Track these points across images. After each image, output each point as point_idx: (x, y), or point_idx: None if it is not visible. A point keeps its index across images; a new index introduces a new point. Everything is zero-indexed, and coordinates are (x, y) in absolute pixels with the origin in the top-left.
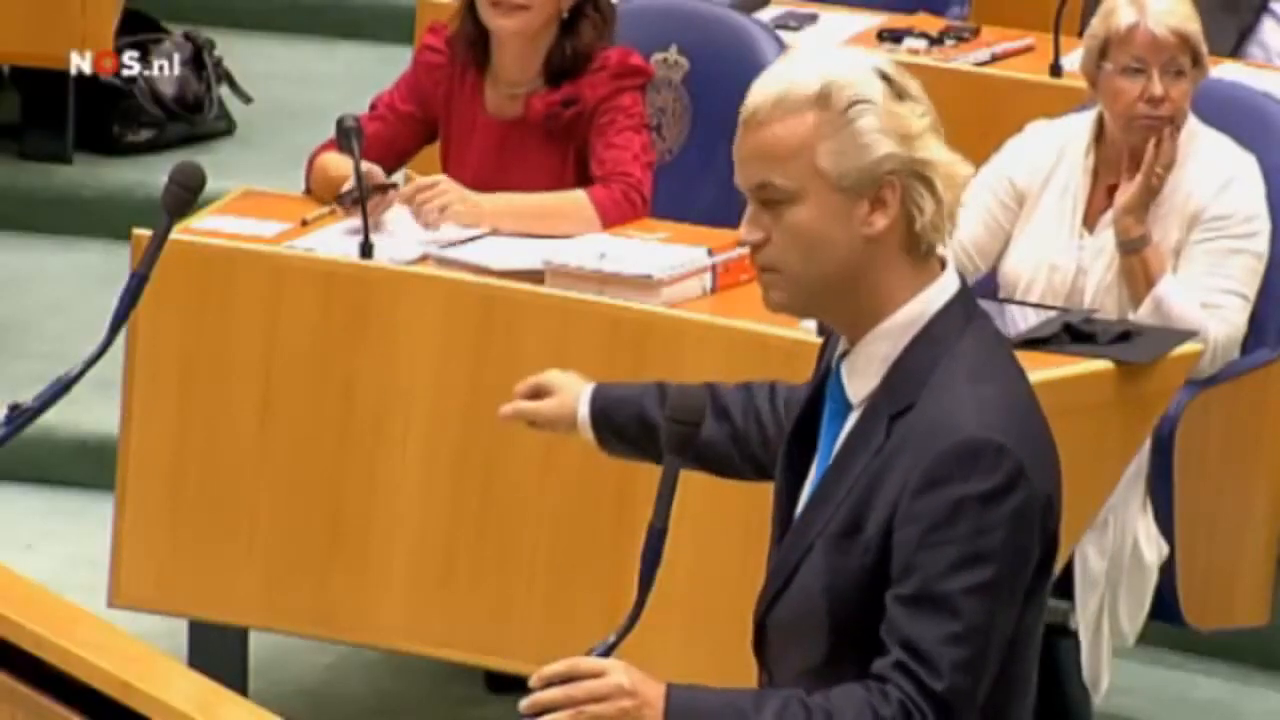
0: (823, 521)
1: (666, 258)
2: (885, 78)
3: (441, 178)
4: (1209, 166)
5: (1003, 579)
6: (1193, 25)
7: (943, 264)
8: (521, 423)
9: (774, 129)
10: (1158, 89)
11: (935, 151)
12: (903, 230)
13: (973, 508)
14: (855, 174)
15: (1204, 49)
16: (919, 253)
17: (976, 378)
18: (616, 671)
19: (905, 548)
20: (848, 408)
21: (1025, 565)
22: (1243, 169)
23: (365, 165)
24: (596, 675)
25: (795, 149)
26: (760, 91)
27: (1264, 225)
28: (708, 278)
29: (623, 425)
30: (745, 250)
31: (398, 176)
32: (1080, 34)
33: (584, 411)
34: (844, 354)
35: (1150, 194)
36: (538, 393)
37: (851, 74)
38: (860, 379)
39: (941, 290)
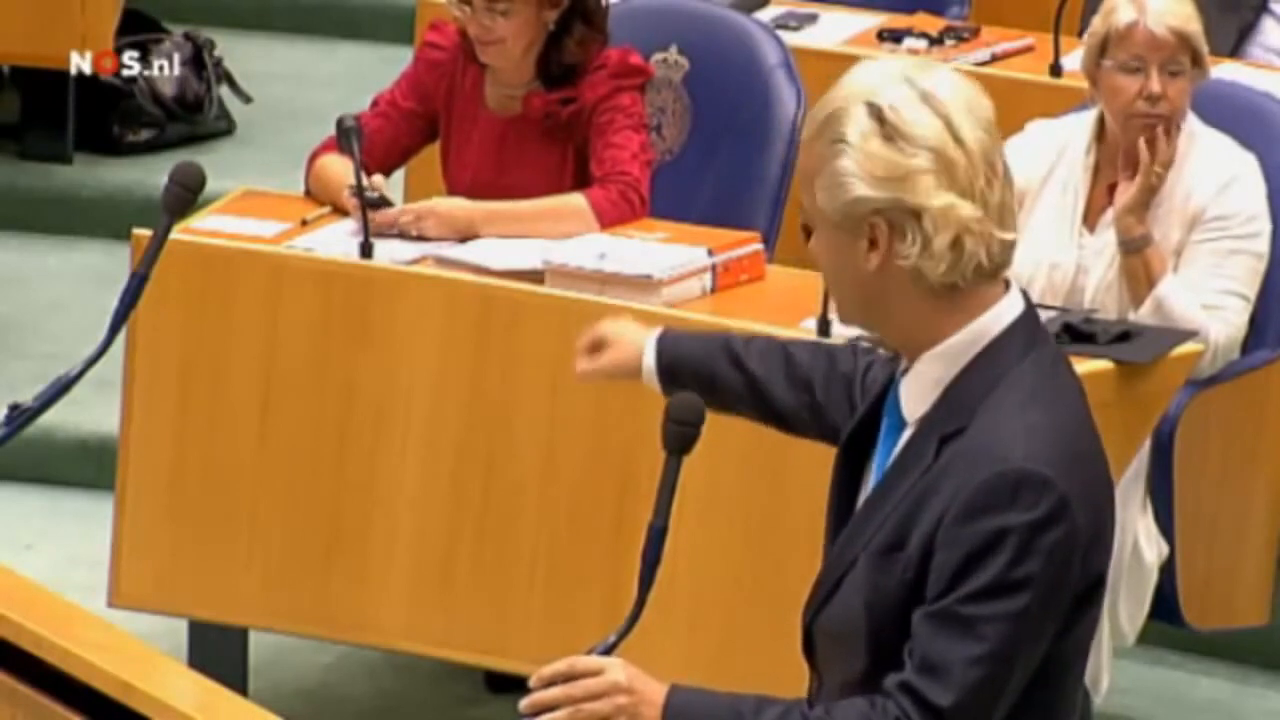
0: (868, 536)
1: (666, 258)
2: (878, 115)
3: (429, 209)
4: (1210, 166)
5: (1032, 611)
6: (1192, 25)
7: (1006, 286)
8: (523, 421)
9: (803, 152)
10: (1155, 87)
11: (925, 195)
12: (915, 268)
13: (1012, 538)
14: (839, 212)
15: (1204, 49)
16: (934, 288)
17: (1029, 405)
18: (614, 669)
19: (942, 571)
20: (903, 425)
21: (1058, 600)
22: (1244, 169)
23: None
24: (594, 673)
25: (806, 177)
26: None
27: (1265, 225)
28: (708, 278)
29: (689, 384)
30: (746, 251)
31: (393, 180)
32: (1080, 34)
33: (650, 363)
34: (904, 371)
35: (1150, 193)
36: (597, 346)
37: (845, 105)
38: (916, 399)
39: (1000, 314)
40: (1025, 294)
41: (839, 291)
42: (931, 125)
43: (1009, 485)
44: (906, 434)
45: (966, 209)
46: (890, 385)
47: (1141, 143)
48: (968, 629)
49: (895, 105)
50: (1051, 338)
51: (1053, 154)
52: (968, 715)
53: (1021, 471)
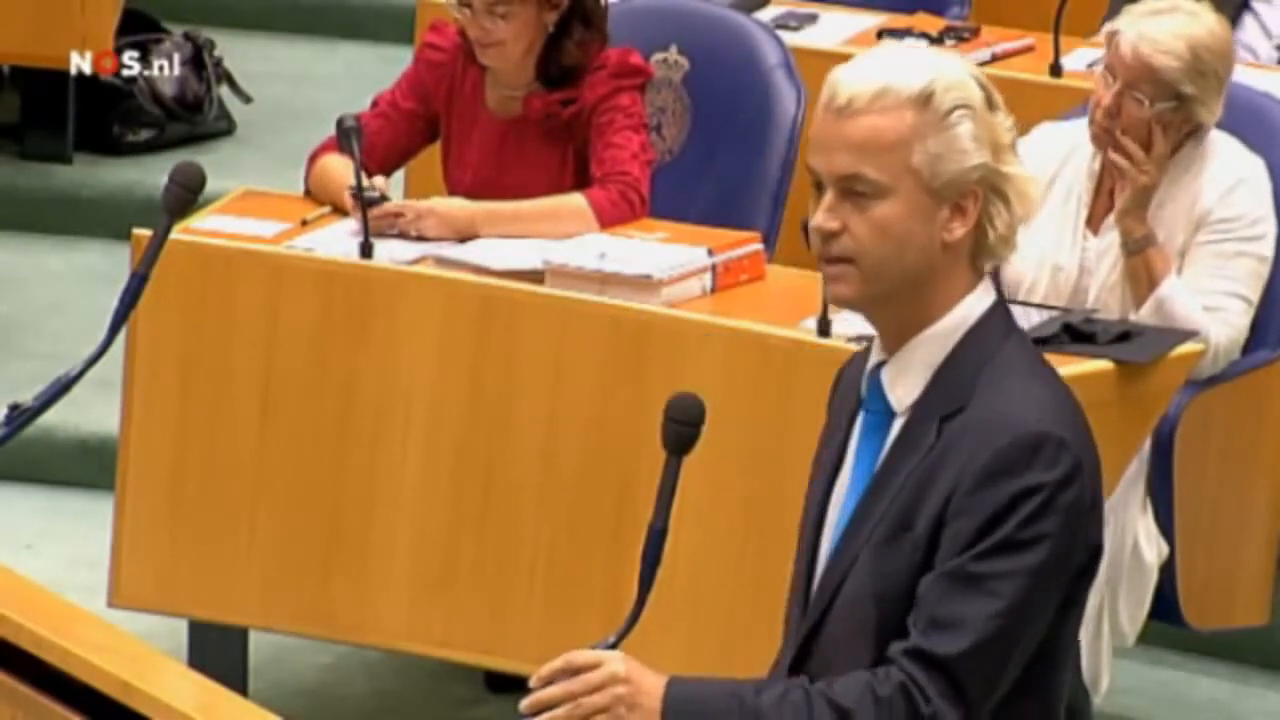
0: (869, 529)
1: (666, 258)
2: (982, 85)
3: (429, 209)
4: (1217, 169)
5: (1046, 569)
6: (1164, 60)
7: (981, 273)
8: (523, 421)
9: (871, 120)
10: (1106, 99)
11: (1015, 166)
12: (974, 240)
13: (1031, 498)
14: (946, 178)
15: (1186, 90)
16: (980, 264)
17: (1030, 380)
18: (612, 661)
19: (958, 539)
20: (889, 417)
21: (1069, 561)
22: (1251, 171)
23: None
24: (592, 667)
25: (892, 144)
26: (858, 81)
27: (1270, 228)
28: (708, 278)
29: None
30: (746, 251)
31: (393, 180)
32: (1081, 34)
33: None
34: (881, 363)
35: (1144, 192)
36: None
37: (955, 77)
38: (904, 386)
39: (981, 298)
40: (993, 280)
41: (897, 262)
42: (1001, 101)
43: (1028, 447)
44: (899, 422)
45: (1032, 185)
46: (851, 381)
47: (1111, 150)
48: (980, 585)
49: (983, 79)
50: (1018, 324)
51: (1059, 156)
52: (975, 668)
53: (1040, 434)
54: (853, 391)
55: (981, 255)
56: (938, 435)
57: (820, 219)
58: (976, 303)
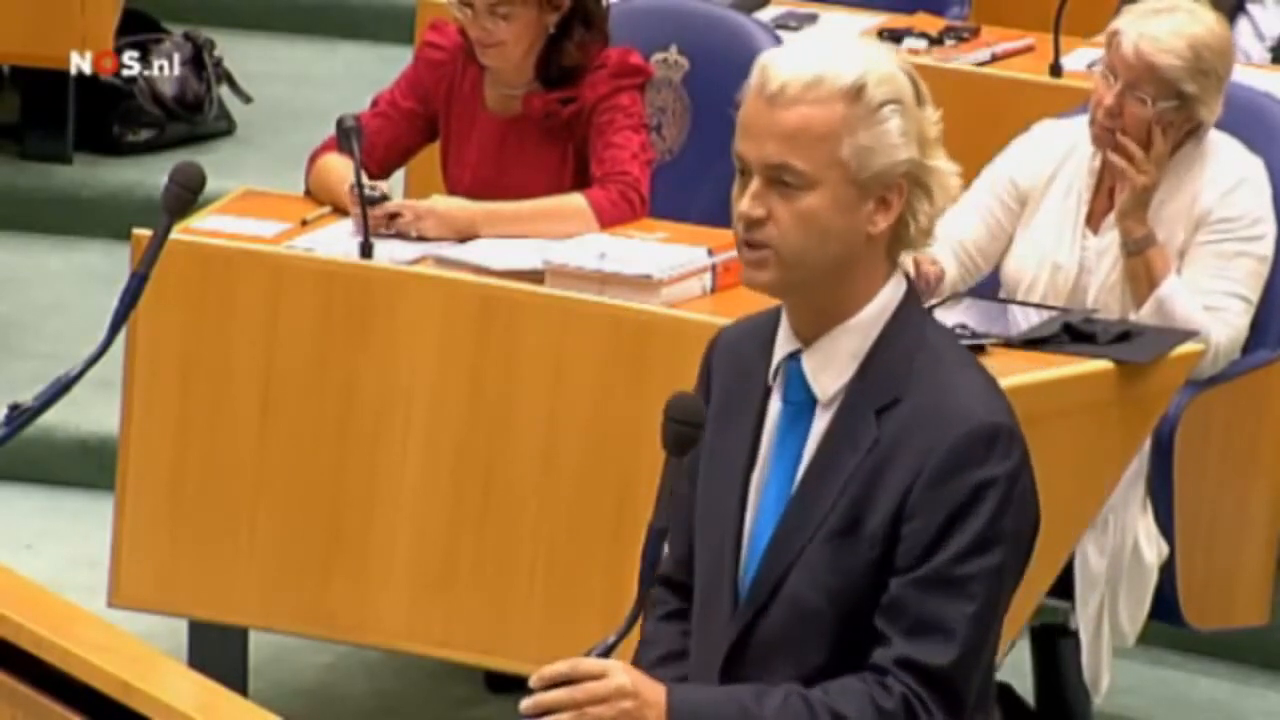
0: (813, 525)
1: (666, 258)
2: (912, 79)
3: (429, 209)
4: (1217, 169)
5: (1010, 562)
6: (1166, 59)
7: (896, 263)
8: (523, 421)
9: (802, 111)
10: (1108, 99)
11: (940, 160)
12: (893, 232)
13: (994, 491)
14: (874, 171)
15: (1188, 89)
16: (895, 255)
17: (964, 367)
18: (617, 673)
19: (921, 535)
20: (811, 403)
21: (1025, 548)
22: (1251, 172)
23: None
24: (598, 676)
25: (823, 135)
26: (790, 69)
27: (1270, 228)
28: (708, 278)
29: None
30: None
31: (393, 180)
32: (1081, 34)
33: None
34: (795, 353)
35: (1145, 193)
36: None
37: (887, 71)
38: (828, 374)
39: (896, 286)
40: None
41: (819, 252)
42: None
43: (984, 440)
44: (826, 415)
45: (954, 179)
46: (744, 363)
47: (1111, 151)
48: (960, 589)
49: (914, 74)
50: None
51: (1059, 155)
52: (966, 673)
53: (992, 425)
54: (752, 379)
55: (899, 246)
56: (878, 429)
57: (746, 206)
58: (893, 291)
